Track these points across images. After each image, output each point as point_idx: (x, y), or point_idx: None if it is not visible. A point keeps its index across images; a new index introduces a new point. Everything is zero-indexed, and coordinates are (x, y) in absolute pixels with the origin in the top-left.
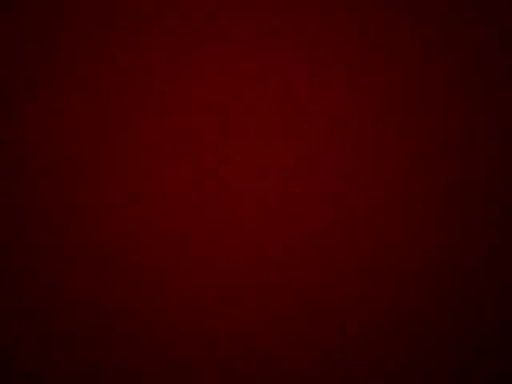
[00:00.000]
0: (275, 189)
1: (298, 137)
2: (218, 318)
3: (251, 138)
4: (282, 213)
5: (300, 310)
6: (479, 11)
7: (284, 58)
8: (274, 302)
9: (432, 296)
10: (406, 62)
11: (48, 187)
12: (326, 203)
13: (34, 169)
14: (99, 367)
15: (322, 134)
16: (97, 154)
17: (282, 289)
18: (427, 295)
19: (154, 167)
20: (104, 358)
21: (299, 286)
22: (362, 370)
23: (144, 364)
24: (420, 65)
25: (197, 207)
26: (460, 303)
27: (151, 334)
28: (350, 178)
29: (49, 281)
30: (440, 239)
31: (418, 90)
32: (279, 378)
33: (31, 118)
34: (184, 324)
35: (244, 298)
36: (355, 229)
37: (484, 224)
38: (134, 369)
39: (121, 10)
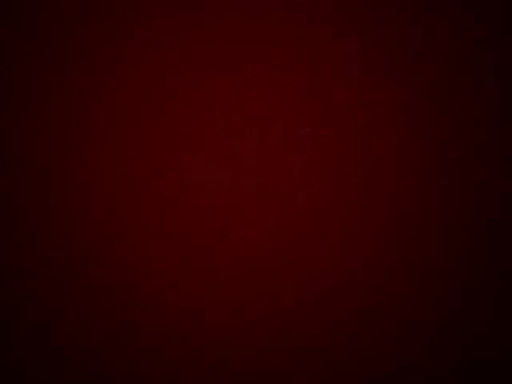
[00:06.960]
0: (276, 195)
1: (297, 142)
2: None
3: (251, 141)
4: (283, 220)
5: (299, 318)
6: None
7: (283, 63)
8: (273, 305)
9: (437, 298)
10: (405, 64)
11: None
12: (323, 208)
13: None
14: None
15: (320, 139)
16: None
17: (281, 292)
18: (424, 297)
19: (153, 169)
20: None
21: (298, 291)
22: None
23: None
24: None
25: (196, 213)
26: (461, 305)
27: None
28: (349, 180)
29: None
30: (436, 241)
31: (417, 90)
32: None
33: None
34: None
35: (243, 306)
36: (354, 231)
37: (483, 225)
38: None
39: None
